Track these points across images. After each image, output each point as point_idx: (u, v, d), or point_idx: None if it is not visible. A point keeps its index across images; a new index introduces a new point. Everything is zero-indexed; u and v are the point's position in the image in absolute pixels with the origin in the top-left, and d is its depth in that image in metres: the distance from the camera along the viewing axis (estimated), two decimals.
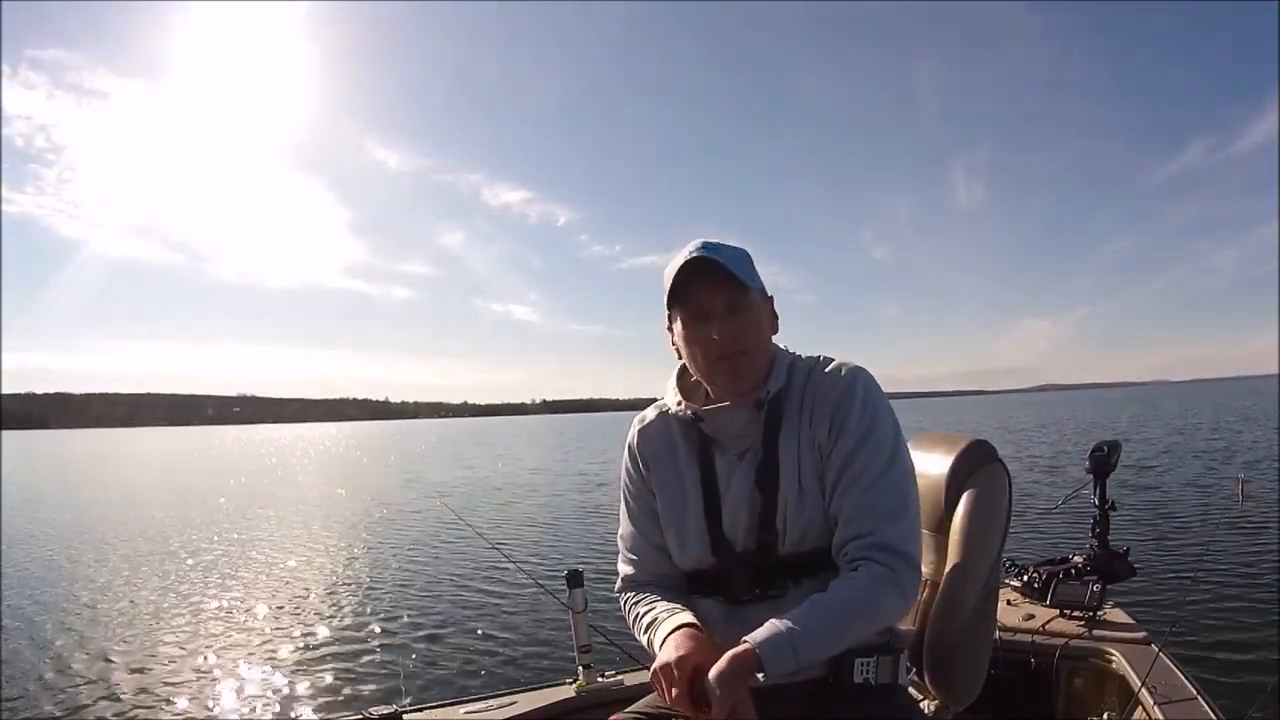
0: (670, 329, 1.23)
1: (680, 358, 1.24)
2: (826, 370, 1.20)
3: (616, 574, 1.33)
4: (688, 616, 1.14)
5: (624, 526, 1.33)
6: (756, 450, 1.18)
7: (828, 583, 1.11)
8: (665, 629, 1.13)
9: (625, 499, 1.32)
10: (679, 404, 1.23)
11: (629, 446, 1.32)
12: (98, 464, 33.91)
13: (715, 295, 1.14)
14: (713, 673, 0.98)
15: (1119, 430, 20.76)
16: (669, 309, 1.20)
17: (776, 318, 1.24)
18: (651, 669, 1.08)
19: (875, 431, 1.14)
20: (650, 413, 1.32)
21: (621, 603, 1.31)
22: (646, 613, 1.21)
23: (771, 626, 1.03)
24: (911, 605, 1.18)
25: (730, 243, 1.18)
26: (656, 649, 1.11)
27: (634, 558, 1.30)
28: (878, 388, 1.19)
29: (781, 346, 1.25)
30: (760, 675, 0.99)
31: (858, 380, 1.17)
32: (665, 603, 1.21)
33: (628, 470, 1.32)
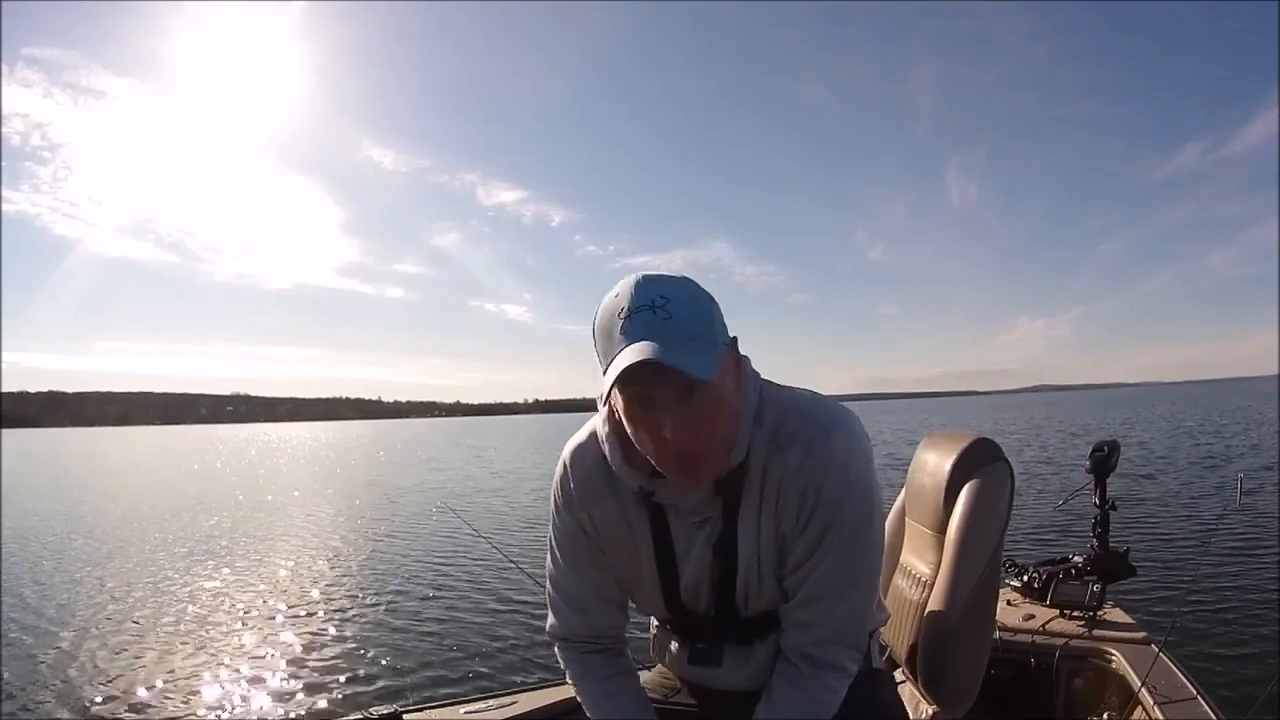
0: (606, 399, 0.97)
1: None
2: (795, 439, 1.00)
3: (546, 619, 1.22)
4: None
5: (558, 572, 1.18)
6: (716, 521, 1.05)
7: None
8: None
9: (558, 542, 1.16)
10: (622, 466, 1.05)
11: (563, 487, 1.12)
12: (90, 463, 33.76)
13: (664, 388, 0.88)
14: None
15: (1113, 431, 20.81)
16: (605, 383, 0.90)
17: (740, 364, 1.00)
18: None
19: (844, 520, 1.01)
20: (585, 444, 1.10)
21: (560, 658, 1.22)
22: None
23: None
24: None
25: (680, 275, 0.93)
26: None
27: (570, 611, 1.18)
28: (860, 454, 1.02)
29: (747, 373, 1.02)
30: None
31: (831, 463, 0.99)
32: (621, 704, 1.15)
33: (560, 511, 1.14)
